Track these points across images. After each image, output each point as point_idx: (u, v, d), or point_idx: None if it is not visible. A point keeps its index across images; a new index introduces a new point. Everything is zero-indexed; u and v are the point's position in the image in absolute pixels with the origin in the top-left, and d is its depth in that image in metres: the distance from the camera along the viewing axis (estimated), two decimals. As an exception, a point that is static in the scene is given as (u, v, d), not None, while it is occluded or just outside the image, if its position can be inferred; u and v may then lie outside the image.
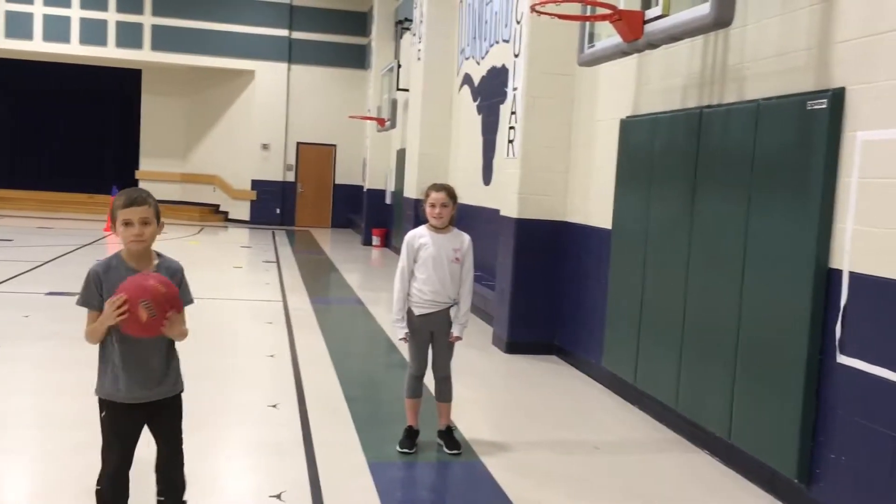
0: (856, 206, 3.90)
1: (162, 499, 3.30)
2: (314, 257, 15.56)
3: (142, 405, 3.15)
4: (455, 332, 4.77)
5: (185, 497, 3.35)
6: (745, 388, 4.60)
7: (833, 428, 4.00)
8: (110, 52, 21.00)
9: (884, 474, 3.66)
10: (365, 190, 18.90)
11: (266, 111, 21.82)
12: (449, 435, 4.87)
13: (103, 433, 3.17)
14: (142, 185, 22.90)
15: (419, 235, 4.74)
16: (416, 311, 4.73)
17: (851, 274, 3.91)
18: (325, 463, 4.52)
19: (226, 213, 22.55)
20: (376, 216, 18.21)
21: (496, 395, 6.47)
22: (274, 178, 22.13)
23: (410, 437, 4.82)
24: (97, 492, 3.18)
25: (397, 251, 15.41)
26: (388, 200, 17.84)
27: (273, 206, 22.16)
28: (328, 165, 22.64)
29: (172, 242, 16.21)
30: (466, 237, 4.81)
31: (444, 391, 4.88)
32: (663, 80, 5.89)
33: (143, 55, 21.21)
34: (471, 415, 5.57)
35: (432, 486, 4.50)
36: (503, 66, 9.57)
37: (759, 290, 4.50)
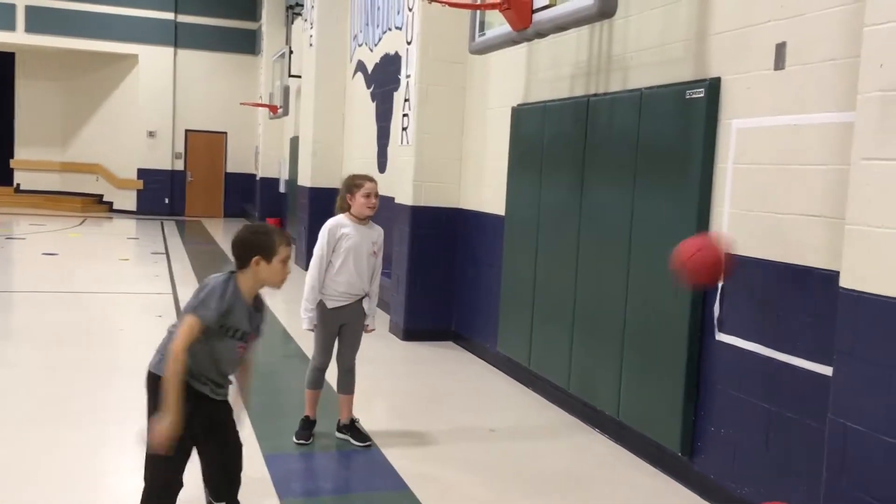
0: (731, 190, 4.10)
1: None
2: (206, 248, 15.14)
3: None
4: (371, 324, 4.78)
5: None
6: (633, 367, 4.78)
7: (713, 402, 4.21)
8: (-21, 34, 19.78)
9: (759, 443, 3.88)
10: (258, 178, 18.53)
11: (152, 97, 21.04)
12: (354, 428, 4.83)
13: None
14: (18, 174, 21.77)
15: (342, 224, 4.62)
16: (329, 305, 4.63)
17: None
18: (219, 457, 4.43)
19: (110, 203, 21.67)
20: (270, 205, 17.89)
21: (394, 383, 6.49)
22: (162, 167, 21.39)
23: (307, 427, 4.77)
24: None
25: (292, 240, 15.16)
26: (282, 189, 17.55)
27: (161, 195, 21.42)
28: (219, 153, 22.06)
29: (51, 235, 15.48)
30: (381, 230, 4.78)
31: (348, 383, 4.82)
32: (552, 69, 6.01)
33: (16, 37, 20.06)
34: (368, 402, 5.56)
35: (330, 475, 4.47)
36: (396, 53, 9.55)
37: (643, 272, 4.68)
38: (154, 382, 2.99)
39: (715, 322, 4.17)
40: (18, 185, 21.82)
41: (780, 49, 3.81)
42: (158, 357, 3.03)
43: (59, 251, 13.20)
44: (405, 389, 6.33)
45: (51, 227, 16.83)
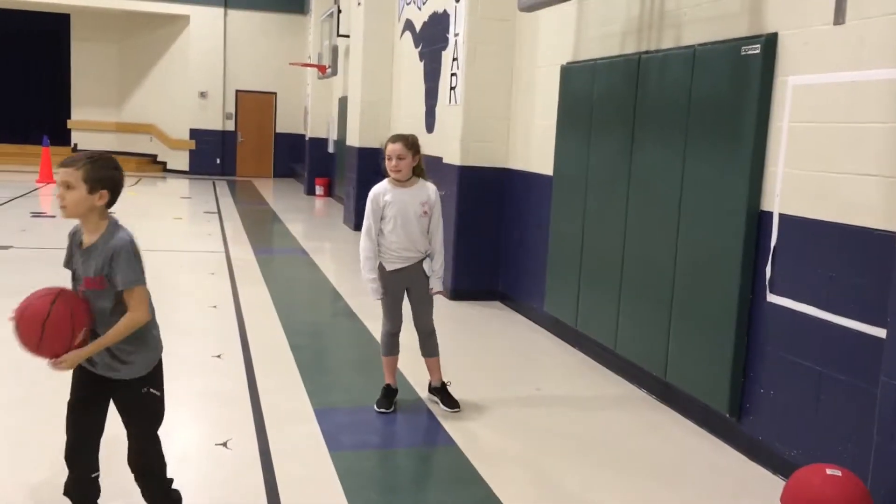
0: (786, 149, 4.02)
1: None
2: (256, 207, 15.36)
3: None
4: (435, 286, 4.68)
5: None
6: (681, 328, 4.75)
7: (762, 364, 4.17)
8: (36, -4, 20.13)
9: (809, 405, 3.84)
10: (307, 139, 18.64)
11: (203, 58, 21.23)
12: (444, 391, 4.80)
13: (159, 408, 3.09)
14: (75, 134, 22.24)
15: (383, 192, 4.52)
16: (388, 267, 4.57)
17: (781, 216, 4.04)
18: (270, 410, 4.55)
19: (164, 163, 22.05)
20: (319, 165, 18.00)
21: (441, 342, 6.54)
22: (213, 128, 21.66)
23: (388, 396, 4.71)
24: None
25: (341, 200, 15.34)
26: (330, 149, 17.63)
27: (213, 155, 21.72)
28: (269, 114, 22.22)
29: (109, 194, 15.82)
30: (433, 188, 4.63)
31: (430, 346, 4.79)
32: (602, 26, 5.91)
33: (71, -1, 20.38)
34: (416, 360, 5.63)
35: (377, 430, 4.56)
36: (444, 11, 9.46)
37: (693, 232, 4.62)
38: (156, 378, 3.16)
39: (766, 283, 4.12)
40: (76, 144, 22.30)
41: (840, 3, 3.68)
42: None
43: (116, 210, 13.48)
44: (452, 348, 6.38)
45: (107, 186, 17.19)
